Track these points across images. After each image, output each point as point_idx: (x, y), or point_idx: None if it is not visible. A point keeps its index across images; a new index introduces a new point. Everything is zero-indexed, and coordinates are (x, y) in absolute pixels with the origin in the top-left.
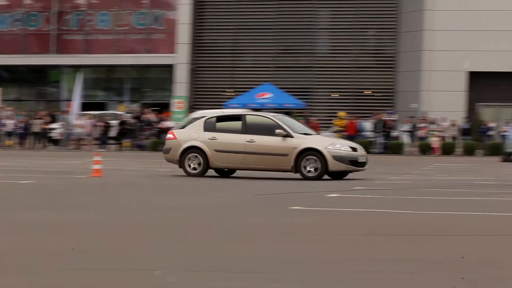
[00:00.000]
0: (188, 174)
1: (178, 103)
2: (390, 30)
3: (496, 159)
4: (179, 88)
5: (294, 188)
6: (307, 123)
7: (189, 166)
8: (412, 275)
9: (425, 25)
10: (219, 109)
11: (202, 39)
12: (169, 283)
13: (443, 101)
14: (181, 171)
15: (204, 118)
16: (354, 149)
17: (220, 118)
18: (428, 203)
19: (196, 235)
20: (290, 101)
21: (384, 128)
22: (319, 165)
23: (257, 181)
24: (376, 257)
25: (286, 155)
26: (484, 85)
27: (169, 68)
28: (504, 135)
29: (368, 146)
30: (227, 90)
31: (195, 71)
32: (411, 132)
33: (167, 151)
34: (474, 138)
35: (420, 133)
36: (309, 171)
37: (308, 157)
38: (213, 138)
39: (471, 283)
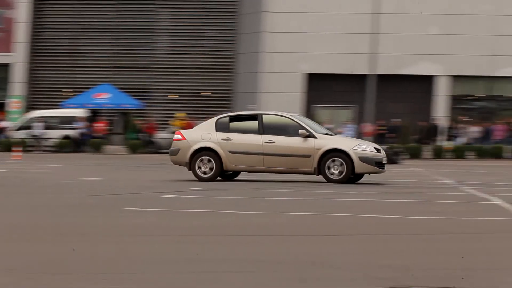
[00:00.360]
0: (199, 178)
1: (14, 103)
2: (229, 32)
3: None
4: (16, 87)
5: (132, 189)
6: (146, 123)
7: (200, 168)
8: (247, 275)
9: (263, 27)
10: (57, 109)
11: (41, 38)
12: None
13: (280, 102)
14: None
15: (215, 118)
16: (378, 150)
17: (234, 118)
18: (265, 204)
19: (19, 236)
20: (128, 101)
21: None
22: (344, 167)
23: (96, 182)
24: (210, 257)
25: (308, 156)
26: (321, 87)
27: (5, 67)
28: None
29: None
30: (65, 90)
31: (33, 71)
32: None
33: (175, 153)
34: None
35: None
36: (332, 173)
37: (332, 158)
38: (228, 139)
39: (304, 283)
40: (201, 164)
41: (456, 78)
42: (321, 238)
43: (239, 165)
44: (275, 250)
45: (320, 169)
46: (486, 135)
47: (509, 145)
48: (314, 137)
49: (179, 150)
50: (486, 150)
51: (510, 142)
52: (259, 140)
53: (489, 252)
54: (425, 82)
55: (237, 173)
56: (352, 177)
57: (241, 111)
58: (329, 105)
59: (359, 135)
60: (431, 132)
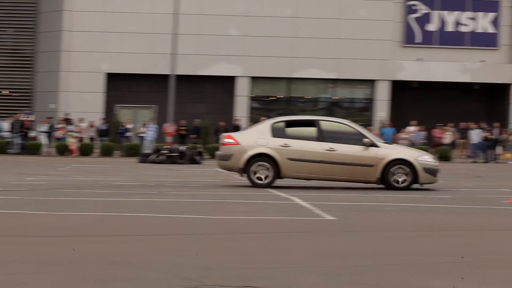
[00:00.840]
0: (254, 185)
1: None
2: (28, 30)
3: (133, 160)
4: None
5: None
6: None
7: (255, 174)
8: (41, 276)
9: (63, 25)
10: None
11: None
12: None
13: (81, 102)
14: None
15: (269, 122)
16: (434, 160)
17: (290, 123)
18: (64, 204)
19: None
20: None
21: (22, 129)
22: (409, 177)
23: None
24: (3, 259)
25: (371, 165)
26: (122, 87)
27: None
28: (141, 136)
29: (5, 147)
30: None
31: None
32: (49, 133)
33: (227, 158)
34: (112, 139)
35: (58, 134)
36: (397, 182)
37: (397, 168)
38: (286, 145)
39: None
40: (257, 170)
41: (256, 79)
42: (126, 239)
43: (298, 172)
44: (78, 251)
45: (383, 179)
46: None
47: None
48: (377, 146)
49: (232, 155)
50: None
51: None
52: (319, 147)
53: (290, 251)
54: (226, 82)
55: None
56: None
57: (38, 110)
58: (130, 105)
59: (161, 136)
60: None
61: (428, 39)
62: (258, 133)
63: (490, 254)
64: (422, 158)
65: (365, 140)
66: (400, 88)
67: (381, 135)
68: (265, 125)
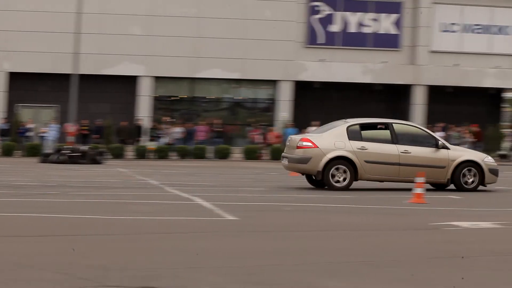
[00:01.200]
0: (332, 188)
1: None
2: None
3: (34, 160)
4: None
5: None
6: None
7: (333, 178)
8: None
9: None
10: None
11: None
12: None
13: None
14: None
15: (345, 126)
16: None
17: (365, 126)
18: None
19: None
20: None
21: None
22: (477, 178)
23: None
24: None
25: (443, 167)
26: (24, 86)
27: None
28: (43, 136)
29: None
30: None
31: None
32: None
33: (305, 161)
34: (13, 139)
35: None
36: (466, 183)
37: (466, 170)
38: (363, 148)
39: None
40: (335, 173)
41: (159, 79)
42: (25, 239)
43: (374, 174)
44: None
45: (453, 180)
46: (189, 136)
47: (211, 146)
48: (447, 148)
49: (310, 158)
50: (189, 150)
51: (212, 143)
52: (395, 150)
53: (190, 251)
54: (129, 82)
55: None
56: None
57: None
58: (32, 104)
59: (63, 135)
60: (134, 132)
61: (331, 40)
62: (334, 136)
63: (391, 254)
64: (487, 160)
65: (440, 143)
66: (303, 89)
67: (284, 136)
68: (341, 128)
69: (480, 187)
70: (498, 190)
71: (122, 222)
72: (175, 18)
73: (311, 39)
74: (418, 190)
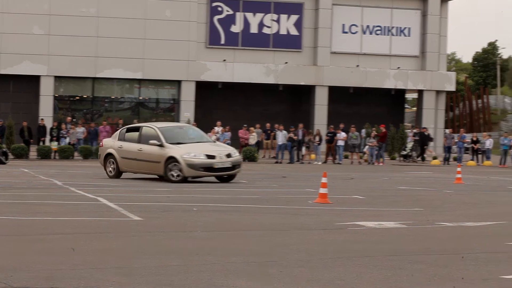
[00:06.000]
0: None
1: None
2: None
3: None
4: None
5: None
6: None
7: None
8: None
9: None
10: None
11: None
12: None
13: None
14: None
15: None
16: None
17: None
18: None
19: None
20: None
21: None
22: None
23: None
24: None
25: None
26: None
27: None
28: None
29: None
30: None
31: None
32: None
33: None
34: None
35: None
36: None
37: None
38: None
39: None
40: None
41: (61, 79)
42: None
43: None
44: None
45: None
46: (92, 136)
47: None
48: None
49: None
50: (92, 150)
51: None
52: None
53: (96, 251)
54: (31, 82)
55: None
56: None
57: None
58: None
59: None
60: (37, 132)
61: (233, 41)
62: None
63: (298, 254)
64: (188, 155)
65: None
66: (205, 89)
67: None
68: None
69: None
70: (400, 190)
71: (30, 223)
72: (75, 18)
73: (213, 40)
74: (323, 190)
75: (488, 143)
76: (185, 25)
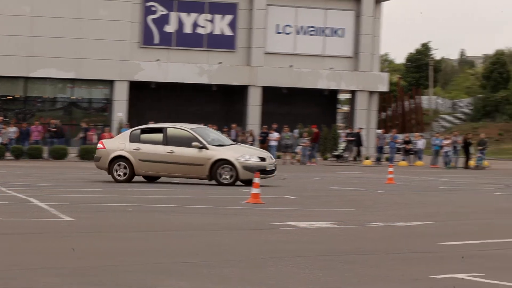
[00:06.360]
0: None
1: None
2: None
3: None
4: None
5: None
6: None
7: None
8: None
9: None
10: None
11: None
12: None
13: None
14: None
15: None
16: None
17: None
18: None
19: None
20: None
21: None
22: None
23: None
24: None
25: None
26: None
27: None
28: None
29: None
30: None
31: None
32: None
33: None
34: None
35: None
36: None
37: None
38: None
39: None
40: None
41: None
42: None
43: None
44: None
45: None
46: (24, 136)
47: (47, 145)
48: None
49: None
50: (23, 150)
51: (48, 143)
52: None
53: (27, 252)
54: None
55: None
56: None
57: None
58: None
59: None
60: None
61: (167, 41)
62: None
63: (229, 254)
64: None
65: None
66: (139, 89)
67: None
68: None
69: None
70: (332, 190)
71: None
72: (8, 17)
73: (147, 40)
74: (255, 191)
75: (420, 143)
76: (119, 25)
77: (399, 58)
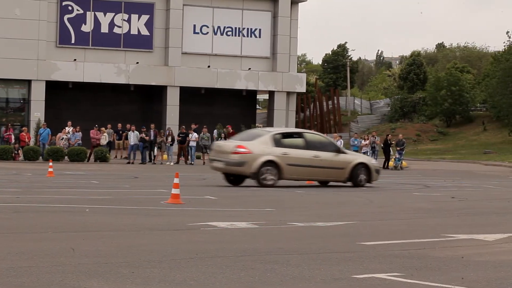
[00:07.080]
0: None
1: None
2: None
3: None
4: None
5: None
6: None
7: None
8: None
9: None
10: None
11: None
12: None
13: None
14: None
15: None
16: None
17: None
18: None
19: None
20: None
21: None
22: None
23: None
24: None
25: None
26: None
27: None
28: None
29: None
30: None
31: None
32: None
33: (242, 164)
34: None
35: None
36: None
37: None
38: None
39: None
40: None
41: None
42: None
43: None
44: None
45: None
46: None
47: None
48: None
49: (245, 162)
50: None
51: None
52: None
53: None
54: None
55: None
56: None
57: None
58: None
59: None
60: None
61: (83, 40)
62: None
63: (151, 255)
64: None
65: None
66: (56, 89)
67: (37, 136)
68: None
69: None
70: (251, 190)
71: None
72: None
73: (63, 39)
74: (175, 191)
75: (339, 144)
76: (34, 24)
77: (316, 59)
